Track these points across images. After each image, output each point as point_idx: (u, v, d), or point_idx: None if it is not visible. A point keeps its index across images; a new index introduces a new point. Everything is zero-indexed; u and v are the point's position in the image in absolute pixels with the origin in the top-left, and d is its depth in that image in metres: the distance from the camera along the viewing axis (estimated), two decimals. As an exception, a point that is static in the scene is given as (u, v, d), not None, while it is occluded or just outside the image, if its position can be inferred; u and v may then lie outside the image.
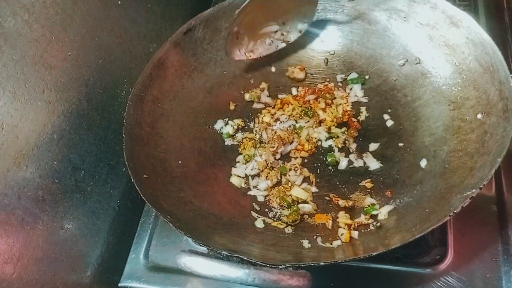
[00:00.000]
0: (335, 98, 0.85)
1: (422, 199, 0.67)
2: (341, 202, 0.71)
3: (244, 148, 0.81)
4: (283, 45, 0.88)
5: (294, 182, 0.76)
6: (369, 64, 0.86)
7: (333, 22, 0.88)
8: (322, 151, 0.80)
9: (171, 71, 0.84)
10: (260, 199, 0.76)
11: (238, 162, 0.80)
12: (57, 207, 0.67)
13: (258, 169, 0.78)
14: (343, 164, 0.77)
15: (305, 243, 0.67)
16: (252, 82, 0.90)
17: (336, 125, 0.82)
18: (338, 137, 0.80)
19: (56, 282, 0.68)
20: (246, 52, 0.85)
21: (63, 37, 0.68)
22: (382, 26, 0.84)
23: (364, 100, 0.84)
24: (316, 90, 0.87)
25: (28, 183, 0.62)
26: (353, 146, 0.79)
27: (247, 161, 0.79)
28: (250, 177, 0.78)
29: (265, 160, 0.78)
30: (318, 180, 0.77)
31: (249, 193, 0.77)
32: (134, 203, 0.86)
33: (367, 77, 0.86)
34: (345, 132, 0.80)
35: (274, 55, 0.90)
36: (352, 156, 0.78)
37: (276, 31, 0.86)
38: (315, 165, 0.79)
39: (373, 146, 0.78)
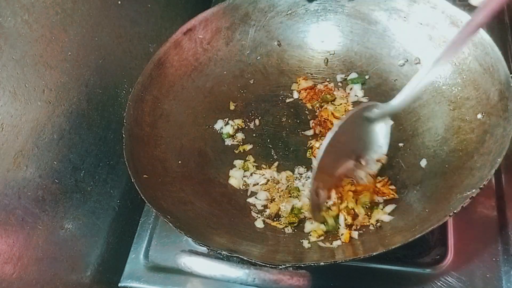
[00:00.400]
0: (335, 98, 0.85)
1: (422, 199, 0.67)
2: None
3: (242, 151, 0.81)
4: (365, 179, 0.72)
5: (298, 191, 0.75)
6: (369, 64, 0.86)
7: (333, 22, 0.88)
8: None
9: (171, 71, 0.84)
10: (259, 207, 0.75)
11: (235, 166, 0.80)
12: (57, 207, 0.67)
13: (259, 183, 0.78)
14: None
15: (305, 243, 0.67)
16: (252, 83, 0.90)
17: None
18: None
19: (56, 282, 0.68)
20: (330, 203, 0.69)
21: (63, 37, 0.68)
22: (382, 26, 0.84)
23: (364, 100, 0.84)
24: (316, 90, 0.87)
25: (28, 183, 0.62)
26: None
27: (245, 170, 0.79)
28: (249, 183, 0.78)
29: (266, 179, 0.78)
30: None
31: (248, 200, 0.76)
32: (134, 203, 0.86)
33: (367, 77, 0.86)
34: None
35: (274, 55, 0.90)
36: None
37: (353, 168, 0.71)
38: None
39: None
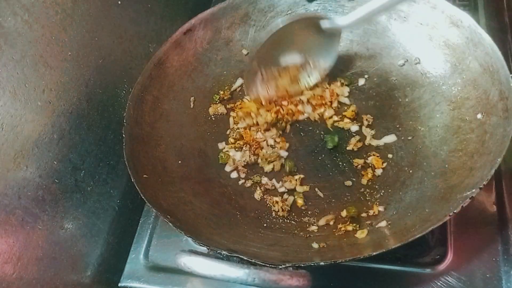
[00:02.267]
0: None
1: (422, 199, 0.67)
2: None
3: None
4: (311, 81, 0.82)
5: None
6: (369, 64, 0.86)
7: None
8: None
9: (171, 71, 0.84)
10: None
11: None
12: (57, 207, 0.67)
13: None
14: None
15: (306, 243, 0.67)
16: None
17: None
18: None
19: (56, 282, 0.68)
20: (268, 88, 0.80)
21: (63, 37, 0.68)
22: (382, 26, 0.84)
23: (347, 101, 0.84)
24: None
25: (28, 183, 0.62)
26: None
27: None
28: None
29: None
30: (320, 183, 0.77)
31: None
32: (134, 203, 0.86)
33: (366, 76, 0.86)
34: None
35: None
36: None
37: (300, 66, 0.80)
38: (315, 163, 0.79)
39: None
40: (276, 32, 0.72)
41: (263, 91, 0.80)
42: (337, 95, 0.84)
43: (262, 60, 0.76)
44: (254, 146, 0.80)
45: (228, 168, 0.79)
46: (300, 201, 0.74)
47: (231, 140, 0.82)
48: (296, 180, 0.76)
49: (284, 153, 0.80)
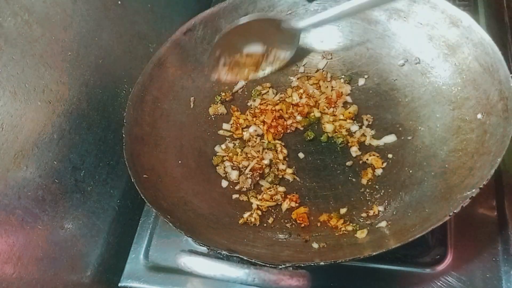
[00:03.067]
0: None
1: (422, 199, 0.67)
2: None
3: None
4: (268, 70, 0.86)
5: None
6: (369, 64, 0.86)
7: (333, 22, 0.88)
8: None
9: (171, 71, 0.84)
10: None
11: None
12: (57, 207, 0.67)
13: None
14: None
15: (306, 243, 0.67)
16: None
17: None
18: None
19: (56, 282, 0.68)
20: (228, 74, 0.84)
21: (63, 37, 0.68)
22: (382, 26, 0.84)
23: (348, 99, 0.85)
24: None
25: (28, 183, 0.62)
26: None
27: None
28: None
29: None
30: (320, 182, 0.77)
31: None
32: (134, 203, 0.86)
33: (366, 76, 0.86)
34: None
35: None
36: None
37: (262, 55, 0.84)
38: (315, 163, 0.79)
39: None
40: (239, 25, 0.76)
41: (225, 75, 0.84)
42: (342, 94, 0.84)
43: (226, 47, 0.80)
44: (256, 172, 0.78)
45: (224, 184, 0.79)
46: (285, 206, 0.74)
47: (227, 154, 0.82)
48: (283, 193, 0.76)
49: (288, 176, 0.78)
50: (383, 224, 0.67)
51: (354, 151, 0.78)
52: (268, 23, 0.78)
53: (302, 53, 0.91)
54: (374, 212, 0.70)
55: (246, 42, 0.80)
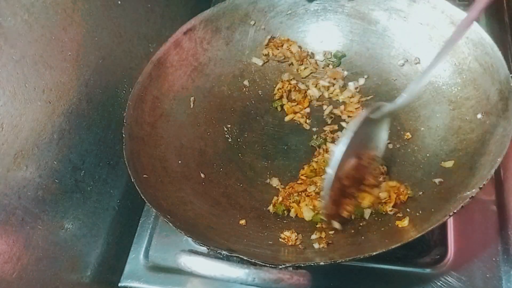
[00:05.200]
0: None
1: (422, 199, 0.67)
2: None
3: None
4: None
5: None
6: (369, 64, 0.86)
7: (333, 22, 0.88)
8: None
9: (171, 71, 0.84)
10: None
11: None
12: (57, 207, 0.67)
13: None
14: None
15: (306, 243, 0.67)
16: (252, 82, 0.90)
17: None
18: None
19: (56, 282, 0.68)
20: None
21: (63, 37, 0.68)
22: (382, 26, 0.84)
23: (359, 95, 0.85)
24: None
25: (28, 183, 0.62)
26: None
27: None
28: None
29: None
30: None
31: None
32: (134, 203, 0.86)
33: (366, 76, 0.86)
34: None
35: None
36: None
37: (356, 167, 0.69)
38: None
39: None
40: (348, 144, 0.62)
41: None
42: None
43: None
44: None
45: None
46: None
47: None
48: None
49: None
50: (382, 224, 0.67)
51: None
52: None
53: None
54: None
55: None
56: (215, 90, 0.88)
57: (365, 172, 0.69)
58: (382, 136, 0.70)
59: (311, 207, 0.71)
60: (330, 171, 0.61)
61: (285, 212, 0.73)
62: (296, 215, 0.73)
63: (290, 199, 0.73)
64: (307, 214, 0.71)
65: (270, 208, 0.74)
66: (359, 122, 0.62)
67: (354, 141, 0.61)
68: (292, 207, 0.73)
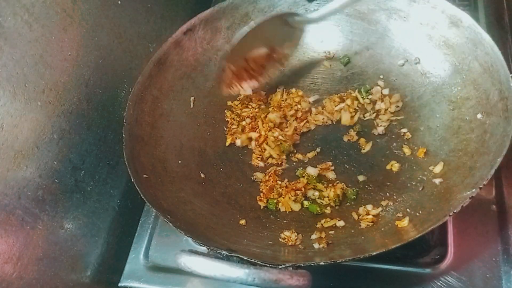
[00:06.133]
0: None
1: (422, 199, 0.67)
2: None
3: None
4: (275, 72, 0.85)
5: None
6: (369, 64, 0.86)
7: (333, 22, 0.88)
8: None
9: (171, 71, 0.84)
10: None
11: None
12: (57, 207, 0.67)
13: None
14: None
15: (306, 243, 0.67)
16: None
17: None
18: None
19: (56, 282, 0.68)
20: (239, 86, 0.82)
21: (63, 37, 0.68)
22: (382, 26, 0.84)
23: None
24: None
25: (28, 183, 0.62)
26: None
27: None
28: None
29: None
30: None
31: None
32: (134, 203, 0.86)
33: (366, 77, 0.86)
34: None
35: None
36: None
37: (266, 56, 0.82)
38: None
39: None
40: (247, 33, 0.74)
41: (235, 86, 0.82)
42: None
43: (230, 58, 0.77)
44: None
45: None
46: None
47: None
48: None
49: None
50: (382, 224, 0.67)
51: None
52: (272, 22, 0.76)
53: (301, 53, 0.91)
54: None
55: (250, 46, 0.78)
56: (215, 90, 0.88)
57: (272, 63, 0.84)
58: (293, 41, 0.83)
59: (293, 198, 0.73)
60: (227, 47, 0.76)
61: (277, 206, 0.74)
62: (291, 210, 0.73)
63: (273, 192, 0.75)
64: (294, 206, 0.73)
65: (261, 203, 0.74)
66: (270, 16, 0.77)
67: (264, 34, 0.77)
68: (280, 201, 0.74)
